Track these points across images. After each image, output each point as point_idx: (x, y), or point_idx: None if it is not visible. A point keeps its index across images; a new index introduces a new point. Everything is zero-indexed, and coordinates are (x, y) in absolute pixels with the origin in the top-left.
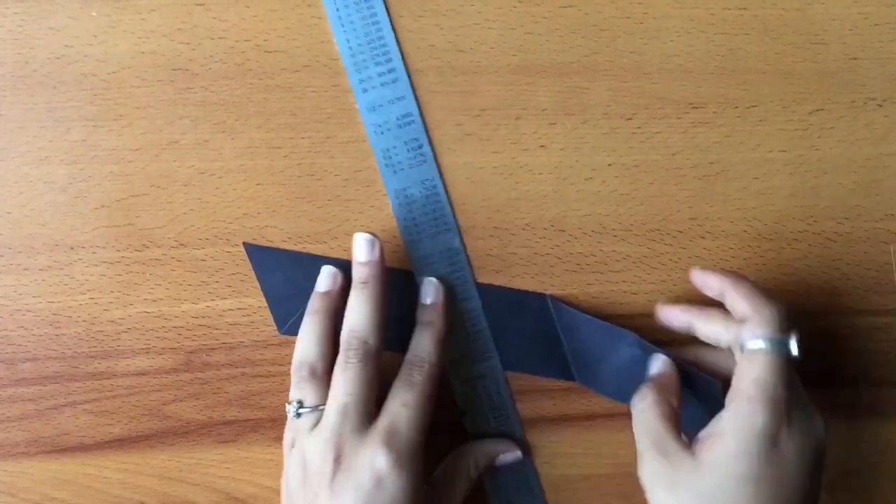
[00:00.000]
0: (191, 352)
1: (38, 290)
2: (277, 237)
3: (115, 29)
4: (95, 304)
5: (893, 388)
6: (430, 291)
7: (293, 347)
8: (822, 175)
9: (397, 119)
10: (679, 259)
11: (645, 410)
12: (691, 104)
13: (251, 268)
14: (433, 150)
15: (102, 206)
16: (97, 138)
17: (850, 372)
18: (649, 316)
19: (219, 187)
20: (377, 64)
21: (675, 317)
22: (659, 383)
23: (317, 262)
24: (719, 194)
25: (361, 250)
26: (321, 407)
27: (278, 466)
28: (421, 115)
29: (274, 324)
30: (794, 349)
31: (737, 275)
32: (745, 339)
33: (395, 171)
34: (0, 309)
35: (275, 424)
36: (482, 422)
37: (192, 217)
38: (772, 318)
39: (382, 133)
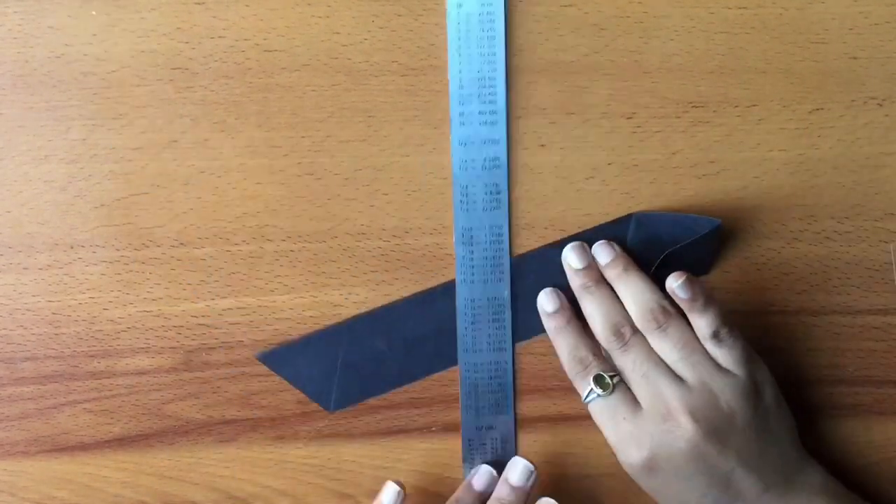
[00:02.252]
0: (190, 351)
1: (38, 290)
2: (277, 236)
3: (114, 28)
4: (95, 303)
5: (893, 387)
6: (523, 476)
7: None
8: (822, 174)
9: (484, 160)
10: None
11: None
12: (691, 103)
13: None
14: (510, 200)
15: (102, 205)
16: (97, 137)
17: (850, 371)
18: None
19: (218, 186)
20: (481, 102)
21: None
22: None
23: (322, 336)
24: (719, 193)
25: (520, 472)
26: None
27: (278, 466)
28: (508, 162)
29: (273, 322)
30: (597, 391)
31: (554, 328)
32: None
33: (467, 210)
34: None
35: (274, 424)
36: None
37: (191, 216)
38: (574, 376)
39: (466, 170)
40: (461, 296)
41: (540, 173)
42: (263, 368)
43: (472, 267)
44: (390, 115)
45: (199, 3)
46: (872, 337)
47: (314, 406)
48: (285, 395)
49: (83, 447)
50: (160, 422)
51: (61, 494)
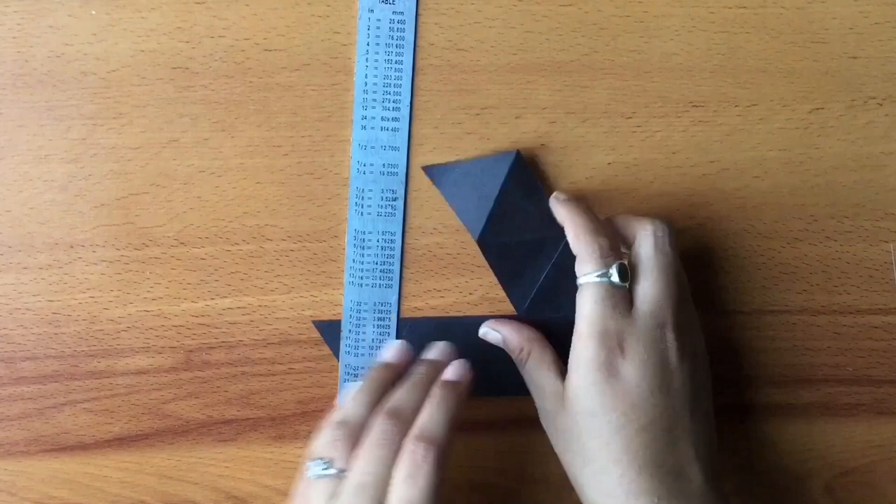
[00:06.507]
0: (190, 350)
1: (38, 289)
2: (277, 236)
3: (114, 27)
4: (95, 302)
5: (893, 387)
6: (460, 370)
7: (294, 346)
8: (823, 174)
9: (383, 165)
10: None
11: (535, 367)
12: (691, 103)
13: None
14: (406, 208)
15: (102, 205)
16: (97, 137)
17: (850, 371)
18: None
19: (219, 186)
20: (385, 108)
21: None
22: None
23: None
24: (719, 193)
25: (439, 350)
26: (343, 474)
27: (278, 465)
28: (407, 171)
29: (273, 322)
30: (616, 277)
31: (573, 208)
32: (578, 277)
33: (361, 213)
34: None
35: (274, 423)
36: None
37: (191, 216)
38: (591, 253)
39: (364, 173)
40: (349, 299)
41: (540, 172)
42: (263, 368)
43: (361, 271)
44: None
45: (199, 3)
46: (872, 337)
47: (314, 406)
48: (285, 395)
49: (83, 447)
50: (160, 421)
51: (61, 494)
